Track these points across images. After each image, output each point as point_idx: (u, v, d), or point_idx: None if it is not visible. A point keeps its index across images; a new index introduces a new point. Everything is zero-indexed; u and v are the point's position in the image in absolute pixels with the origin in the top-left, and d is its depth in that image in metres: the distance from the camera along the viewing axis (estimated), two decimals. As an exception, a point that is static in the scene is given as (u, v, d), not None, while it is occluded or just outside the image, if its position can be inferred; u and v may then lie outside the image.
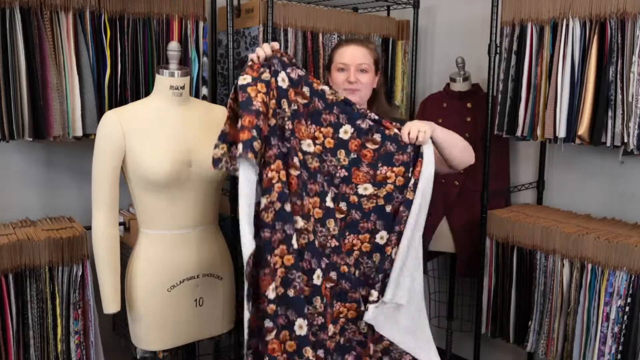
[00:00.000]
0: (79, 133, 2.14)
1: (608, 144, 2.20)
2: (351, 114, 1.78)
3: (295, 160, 1.68)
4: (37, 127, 2.05)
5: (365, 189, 1.78)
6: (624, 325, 2.13)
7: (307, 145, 1.74)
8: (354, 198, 1.79)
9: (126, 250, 2.08)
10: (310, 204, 1.71)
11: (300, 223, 1.68)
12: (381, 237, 1.80)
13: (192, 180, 1.90)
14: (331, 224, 1.75)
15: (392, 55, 3.08)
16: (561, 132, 2.29)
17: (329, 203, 1.75)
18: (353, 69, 1.92)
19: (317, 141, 1.75)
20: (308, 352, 1.66)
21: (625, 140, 2.13)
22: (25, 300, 1.99)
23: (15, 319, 1.97)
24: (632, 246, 2.11)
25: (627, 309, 2.12)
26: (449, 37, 3.22)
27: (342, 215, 1.78)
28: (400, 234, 1.77)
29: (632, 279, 2.11)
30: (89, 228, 1.90)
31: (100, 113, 2.15)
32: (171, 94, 1.91)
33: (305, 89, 1.74)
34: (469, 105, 2.82)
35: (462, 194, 2.80)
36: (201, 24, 2.41)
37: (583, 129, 2.23)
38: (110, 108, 2.16)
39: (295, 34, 2.68)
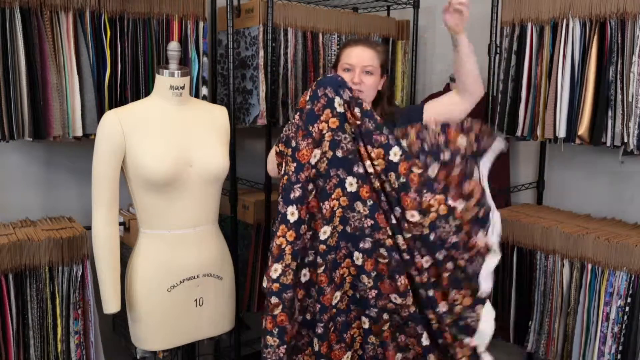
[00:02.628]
0: (79, 133, 2.14)
1: (608, 144, 2.19)
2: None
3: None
4: (37, 127, 2.05)
5: (412, 215, 1.77)
6: (624, 325, 2.13)
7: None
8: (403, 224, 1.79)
9: (126, 250, 2.08)
10: (333, 199, 1.76)
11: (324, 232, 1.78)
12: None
13: (192, 180, 1.89)
14: (359, 206, 1.77)
15: (392, 55, 3.08)
16: (561, 132, 2.29)
17: (350, 188, 1.77)
18: (358, 70, 1.91)
19: (374, 162, 1.78)
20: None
21: (625, 140, 2.13)
22: (25, 300, 1.99)
23: (15, 319, 1.97)
24: (632, 246, 2.11)
25: (627, 309, 2.12)
26: (449, 37, 3.20)
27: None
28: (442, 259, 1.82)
29: (632, 279, 2.11)
30: (89, 228, 1.90)
31: (100, 113, 2.15)
32: (171, 94, 1.91)
33: (357, 110, 1.77)
34: (469, 105, 2.82)
35: (462, 194, 2.80)
36: (201, 24, 2.41)
37: (583, 129, 2.23)
38: (110, 108, 2.16)
39: (295, 34, 2.68)
